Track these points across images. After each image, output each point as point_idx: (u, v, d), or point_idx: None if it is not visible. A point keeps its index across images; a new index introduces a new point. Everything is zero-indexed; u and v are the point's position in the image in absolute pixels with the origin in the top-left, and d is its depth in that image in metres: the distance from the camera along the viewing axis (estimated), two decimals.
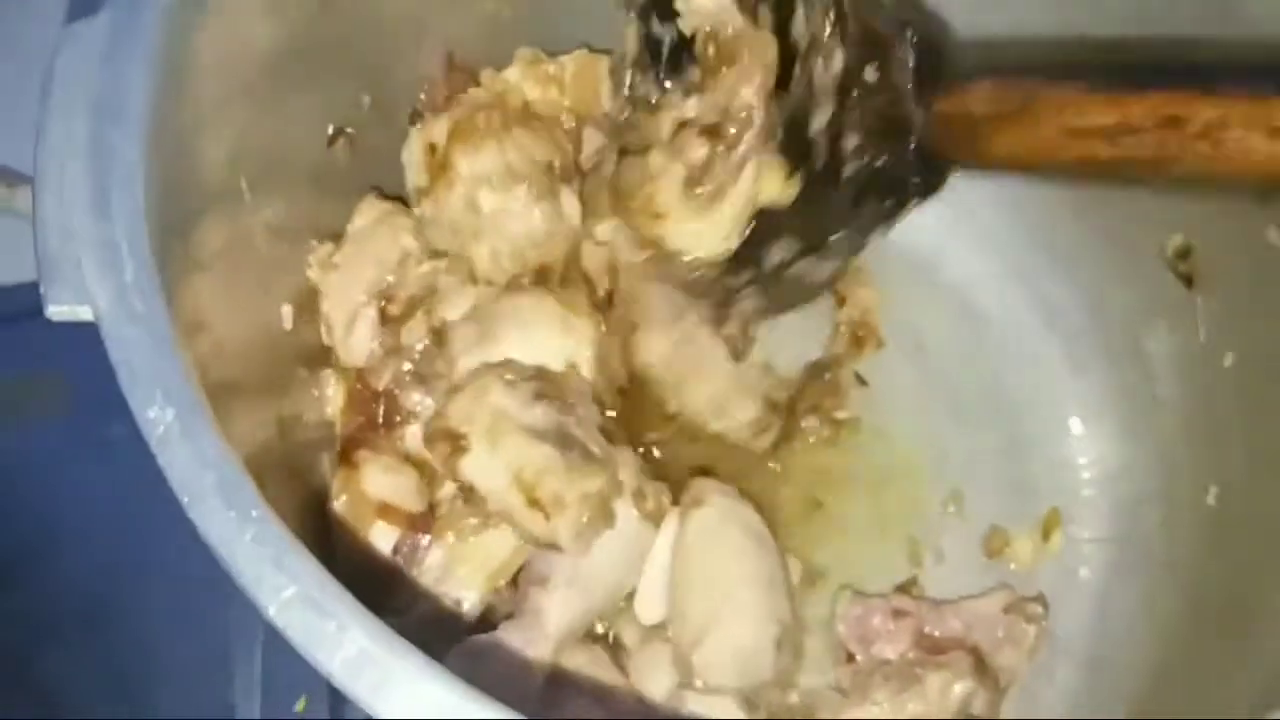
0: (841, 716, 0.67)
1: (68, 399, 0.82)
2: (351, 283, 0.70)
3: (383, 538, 0.66)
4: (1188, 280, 0.70)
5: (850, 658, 0.70)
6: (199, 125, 0.55)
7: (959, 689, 0.67)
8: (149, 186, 0.49)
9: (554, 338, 0.67)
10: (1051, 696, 0.72)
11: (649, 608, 0.67)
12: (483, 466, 0.62)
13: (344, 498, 0.66)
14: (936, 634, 0.70)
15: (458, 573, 0.65)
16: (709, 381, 0.73)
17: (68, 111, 0.50)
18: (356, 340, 0.70)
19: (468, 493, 0.63)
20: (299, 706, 0.72)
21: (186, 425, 0.43)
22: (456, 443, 0.62)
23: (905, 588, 0.74)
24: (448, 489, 0.67)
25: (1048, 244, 0.80)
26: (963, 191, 0.70)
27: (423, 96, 0.76)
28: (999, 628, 0.70)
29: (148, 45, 0.52)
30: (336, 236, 0.71)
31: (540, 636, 0.63)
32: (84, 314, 0.46)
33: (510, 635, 0.62)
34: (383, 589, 0.64)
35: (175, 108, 0.53)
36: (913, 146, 0.64)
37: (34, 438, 0.81)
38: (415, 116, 0.76)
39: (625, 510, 0.63)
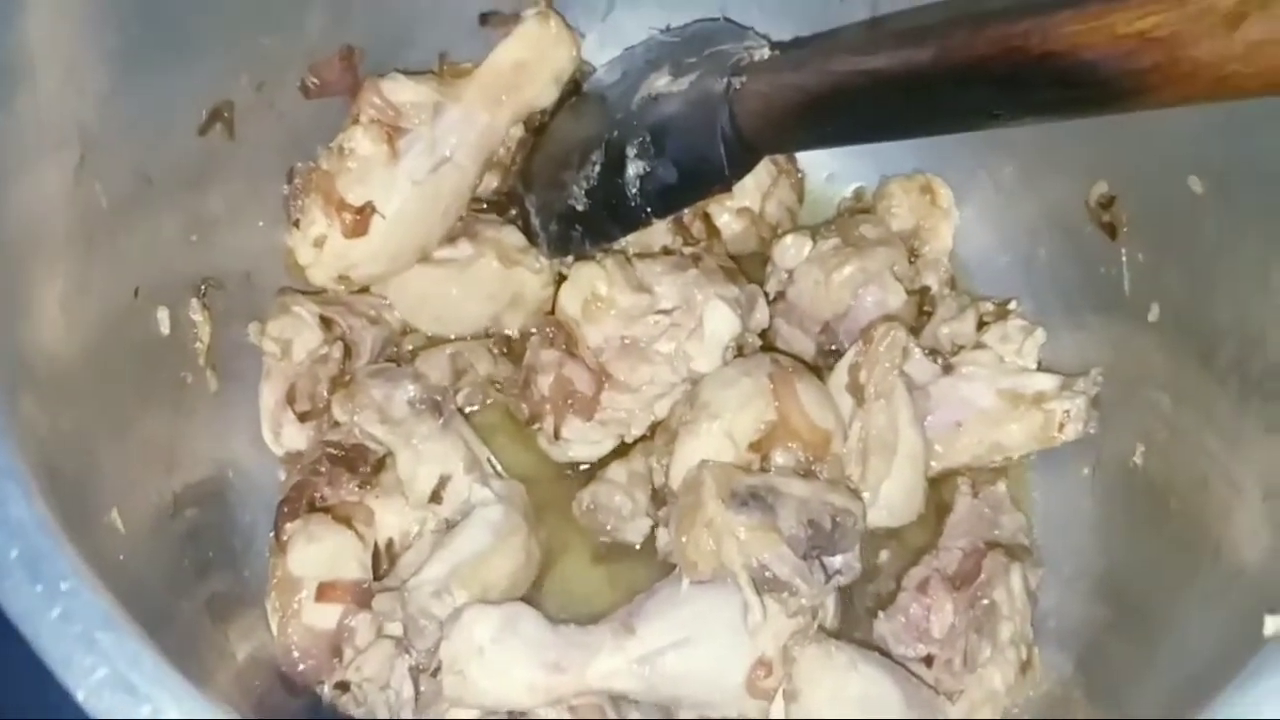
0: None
1: None
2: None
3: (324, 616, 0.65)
4: (1110, 230, 0.67)
5: (930, 660, 0.64)
6: (34, 134, 0.50)
7: (1015, 581, 0.64)
8: None
9: None
10: None
11: None
12: None
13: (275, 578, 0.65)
14: (954, 568, 0.65)
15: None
16: None
17: None
18: (288, 439, 0.71)
19: None
20: None
21: None
22: None
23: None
24: None
25: (964, 197, 0.78)
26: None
27: (314, 80, 0.72)
28: (983, 509, 0.68)
29: None
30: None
31: None
32: None
33: None
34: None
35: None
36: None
37: None
38: (305, 91, 0.72)
39: None
